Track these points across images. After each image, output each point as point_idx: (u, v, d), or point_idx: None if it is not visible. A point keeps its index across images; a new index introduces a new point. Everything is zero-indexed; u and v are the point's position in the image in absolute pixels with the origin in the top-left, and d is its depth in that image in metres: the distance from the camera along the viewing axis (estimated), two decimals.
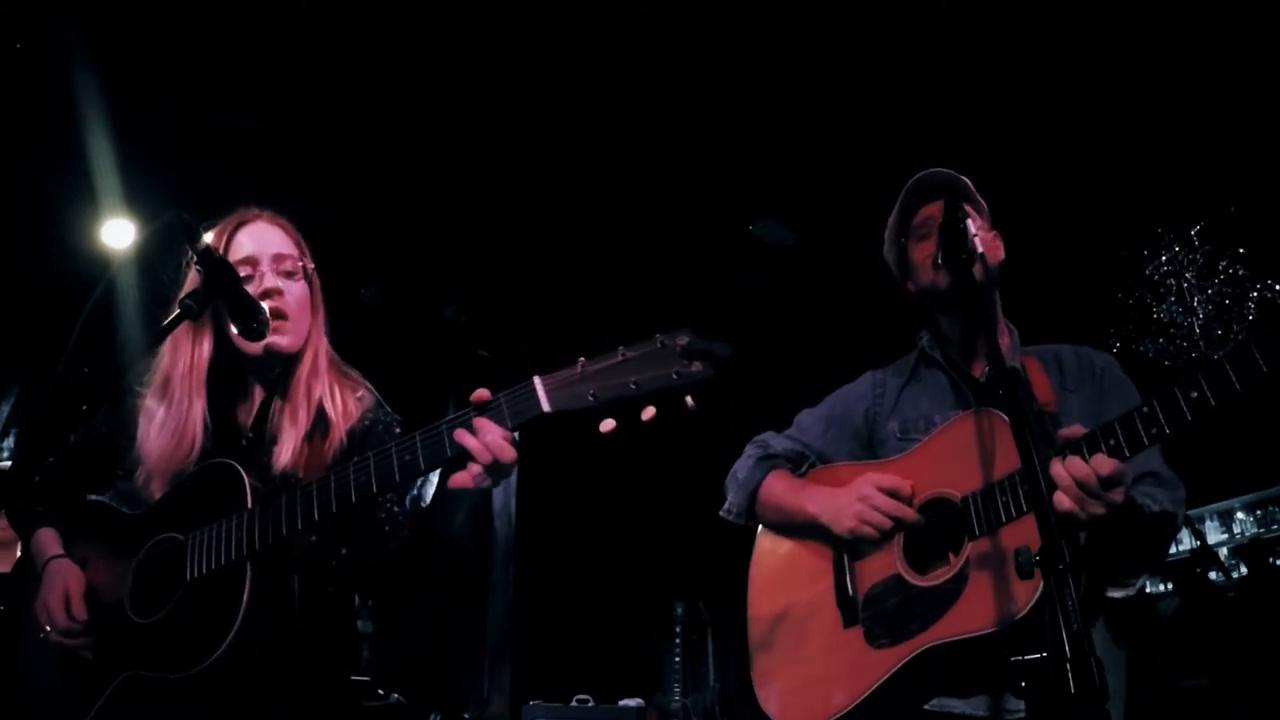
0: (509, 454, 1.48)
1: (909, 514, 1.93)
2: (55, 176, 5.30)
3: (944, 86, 5.19)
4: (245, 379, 1.99)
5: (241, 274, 1.91)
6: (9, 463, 4.96)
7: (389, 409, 2.02)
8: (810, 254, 6.48)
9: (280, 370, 1.96)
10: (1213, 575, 6.52)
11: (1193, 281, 6.30)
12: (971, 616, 1.75)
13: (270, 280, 1.92)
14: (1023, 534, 1.72)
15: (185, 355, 1.94)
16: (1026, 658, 1.71)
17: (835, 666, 1.97)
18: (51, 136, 5.06)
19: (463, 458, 1.51)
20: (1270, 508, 7.57)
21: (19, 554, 4.80)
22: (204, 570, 1.70)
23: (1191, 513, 6.49)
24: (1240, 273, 6.14)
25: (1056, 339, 2.25)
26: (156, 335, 1.79)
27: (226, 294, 1.76)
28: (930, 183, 2.15)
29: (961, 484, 1.87)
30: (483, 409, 1.50)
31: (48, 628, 1.80)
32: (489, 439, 1.48)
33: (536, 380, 1.45)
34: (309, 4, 4.60)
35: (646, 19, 4.76)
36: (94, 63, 4.76)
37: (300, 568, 1.79)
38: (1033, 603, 1.63)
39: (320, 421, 1.91)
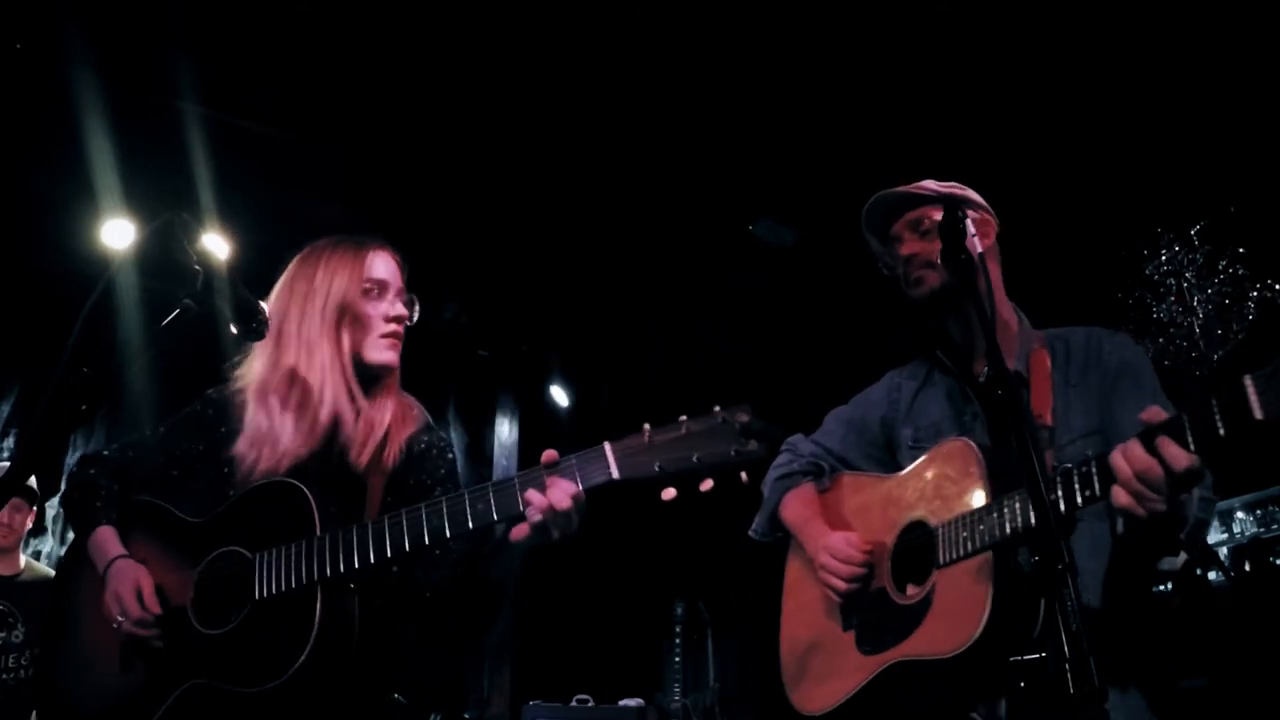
0: (566, 504, 1.60)
1: (860, 573, 2.06)
2: (55, 176, 5.30)
3: (944, 86, 5.19)
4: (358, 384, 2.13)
5: (375, 293, 2.17)
6: (8, 462, 4.96)
7: (439, 430, 2.21)
8: (810, 254, 6.47)
9: (372, 380, 2.13)
10: (1213, 575, 6.51)
11: (1193, 281, 6.28)
12: (930, 640, 1.85)
13: (400, 308, 2.20)
14: (976, 569, 1.79)
15: (326, 353, 2.10)
16: (1025, 658, 1.72)
17: (835, 664, 2.10)
18: (51, 136, 5.05)
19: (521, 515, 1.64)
20: (1270, 508, 7.55)
21: (19, 558, 4.77)
22: (274, 590, 1.77)
23: None
24: (1240, 273, 6.12)
25: None
26: (156, 335, 1.79)
27: (227, 295, 1.77)
28: (896, 199, 2.19)
29: (938, 512, 1.95)
30: (552, 468, 1.62)
31: (120, 618, 1.84)
32: (555, 496, 1.60)
33: (607, 446, 1.57)
34: (310, 4, 4.60)
35: (646, 19, 4.76)
36: (94, 63, 4.75)
37: (359, 589, 1.84)
38: (978, 635, 1.71)
39: (391, 430, 2.10)
